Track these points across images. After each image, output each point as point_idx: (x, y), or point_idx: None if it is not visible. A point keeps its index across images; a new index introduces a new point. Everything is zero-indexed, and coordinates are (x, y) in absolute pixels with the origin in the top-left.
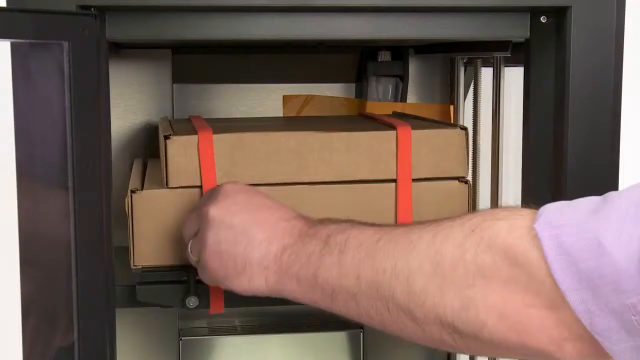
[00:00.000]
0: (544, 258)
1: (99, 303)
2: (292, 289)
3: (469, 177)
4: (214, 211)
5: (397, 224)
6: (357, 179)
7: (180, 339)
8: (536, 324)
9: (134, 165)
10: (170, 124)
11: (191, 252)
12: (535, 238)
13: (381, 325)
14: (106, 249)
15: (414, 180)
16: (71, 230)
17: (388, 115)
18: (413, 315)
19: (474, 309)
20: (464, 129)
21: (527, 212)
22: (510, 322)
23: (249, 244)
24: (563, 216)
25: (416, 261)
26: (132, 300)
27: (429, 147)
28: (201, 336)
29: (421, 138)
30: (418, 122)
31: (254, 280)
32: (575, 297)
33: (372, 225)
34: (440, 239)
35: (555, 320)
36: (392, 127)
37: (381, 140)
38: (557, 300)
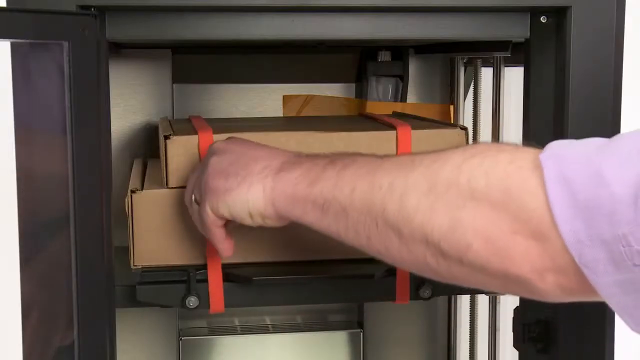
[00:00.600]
0: (541, 186)
1: (99, 303)
2: (285, 198)
3: None
4: (216, 145)
5: None
6: None
7: (180, 339)
8: (520, 251)
9: (134, 165)
10: (170, 123)
11: (193, 198)
12: (537, 168)
13: (367, 242)
14: (106, 249)
15: None
16: (71, 230)
17: (388, 115)
18: (400, 232)
19: (461, 230)
20: (464, 129)
21: (532, 149)
22: (495, 247)
23: (252, 159)
24: (569, 150)
25: (412, 180)
26: (132, 300)
27: (429, 147)
28: (201, 336)
29: (421, 138)
30: (418, 122)
31: (253, 188)
32: (567, 227)
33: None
34: (440, 162)
35: (540, 249)
36: (392, 127)
37: (381, 140)
38: (545, 230)
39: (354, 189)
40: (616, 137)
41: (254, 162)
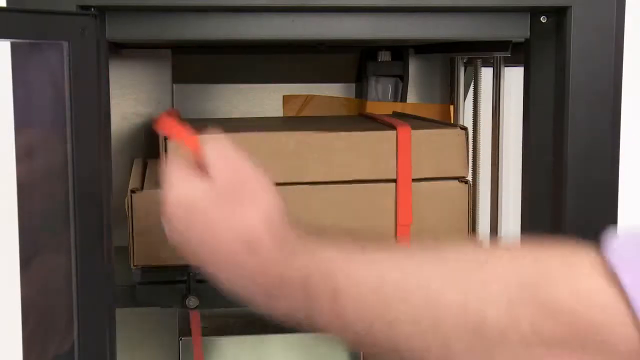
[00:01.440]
0: (629, 318)
1: (99, 303)
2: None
3: (469, 177)
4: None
5: (389, 248)
6: (357, 178)
7: (180, 339)
8: None
9: (134, 165)
10: None
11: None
12: (614, 289)
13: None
14: (106, 249)
15: (414, 180)
16: (71, 230)
17: (388, 115)
18: None
19: None
20: (464, 129)
21: (584, 257)
22: None
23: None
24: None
25: (449, 327)
26: (132, 300)
27: (429, 147)
28: (201, 336)
29: (421, 138)
30: (418, 122)
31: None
32: None
33: (362, 254)
34: (475, 298)
35: None
36: (392, 127)
37: (381, 140)
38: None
39: (371, 326)
40: None
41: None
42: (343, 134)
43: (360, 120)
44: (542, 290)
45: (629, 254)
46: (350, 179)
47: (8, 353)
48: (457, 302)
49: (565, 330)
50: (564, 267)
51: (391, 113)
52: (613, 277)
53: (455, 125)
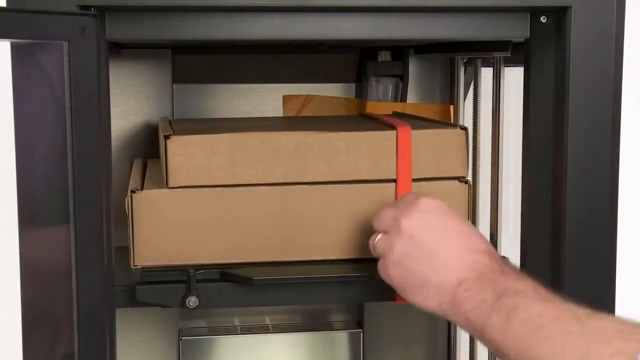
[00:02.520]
0: None
1: (99, 304)
2: (461, 325)
3: (469, 177)
4: (406, 224)
5: (564, 306)
6: (357, 179)
7: (180, 339)
8: None
9: (134, 165)
10: (170, 123)
11: (374, 247)
12: None
13: None
14: (106, 249)
15: (414, 180)
16: (71, 230)
17: (388, 115)
18: None
19: None
20: (464, 129)
21: None
22: None
23: (431, 267)
24: None
25: None
26: (132, 300)
27: (429, 147)
28: (201, 336)
29: (421, 138)
30: (418, 122)
31: (429, 301)
32: None
33: (543, 295)
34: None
35: None
36: (392, 127)
37: (381, 140)
38: None
39: (518, 352)
40: None
41: (432, 271)
42: (343, 133)
43: (360, 120)
44: None
45: None
46: (350, 179)
47: (8, 353)
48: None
49: None
50: None
51: (391, 113)
52: None
53: (455, 125)
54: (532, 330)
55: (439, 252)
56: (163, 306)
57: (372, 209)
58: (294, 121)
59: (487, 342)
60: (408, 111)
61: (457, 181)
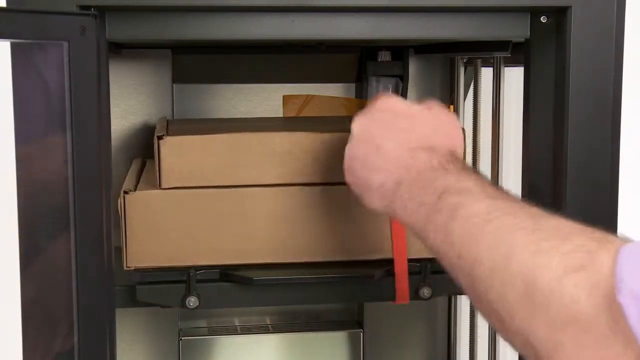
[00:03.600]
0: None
1: (99, 303)
2: (407, 222)
3: None
4: (355, 126)
5: (509, 197)
6: None
7: (180, 339)
8: None
9: (132, 166)
10: (167, 124)
11: None
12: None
13: (473, 300)
14: (106, 249)
15: None
16: (71, 230)
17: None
18: (502, 319)
19: (562, 354)
20: (462, 129)
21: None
22: None
23: (372, 169)
24: None
25: (512, 274)
26: (132, 300)
27: None
28: (201, 336)
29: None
30: None
31: (374, 202)
32: None
33: (489, 193)
34: (541, 260)
35: None
36: None
37: None
38: None
39: (460, 255)
40: None
41: (373, 174)
42: (338, 134)
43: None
44: (590, 274)
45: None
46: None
47: (8, 353)
48: (524, 260)
49: (601, 315)
50: (605, 268)
51: None
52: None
53: None
54: (476, 227)
55: (380, 153)
56: (163, 306)
57: (367, 210)
58: (291, 122)
59: (432, 247)
60: None
61: None
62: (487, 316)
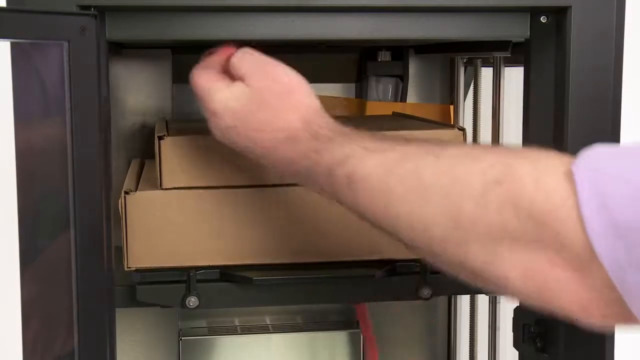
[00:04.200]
0: (576, 210)
1: (99, 303)
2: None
3: None
4: (218, 133)
5: (396, 140)
6: None
7: (180, 339)
8: (559, 283)
9: (131, 166)
10: (166, 124)
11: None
12: (570, 186)
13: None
14: (106, 249)
15: None
16: (71, 230)
17: (387, 116)
18: (435, 255)
19: (498, 264)
20: (462, 129)
21: (561, 158)
22: (535, 282)
23: (272, 119)
24: (607, 163)
25: (432, 213)
26: (132, 300)
27: None
28: (201, 336)
29: (419, 139)
30: (416, 122)
31: (286, 152)
32: (607, 253)
33: (378, 147)
34: (459, 189)
35: (581, 281)
36: (391, 127)
37: None
38: (583, 259)
39: (375, 213)
40: None
41: (278, 119)
42: None
43: (359, 120)
44: (510, 186)
45: (594, 158)
46: None
47: (8, 353)
48: (441, 192)
49: (526, 224)
50: (531, 166)
51: (390, 113)
52: (571, 176)
53: (452, 125)
54: (380, 181)
55: (250, 140)
56: (163, 306)
57: None
58: None
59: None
60: (408, 111)
61: None
62: (421, 255)
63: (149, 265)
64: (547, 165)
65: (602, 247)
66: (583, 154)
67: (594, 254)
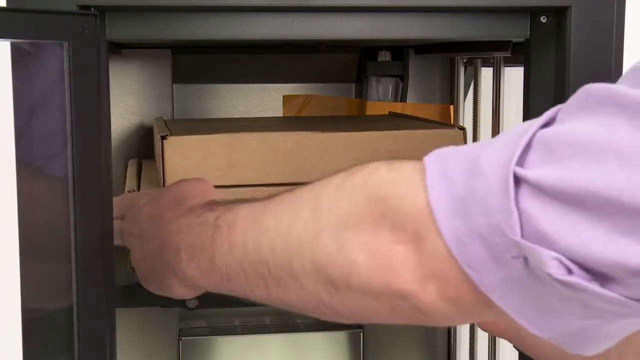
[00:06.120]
0: (421, 188)
1: (99, 303)
2: (202, 284)
3: None
4: (128, 230)
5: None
6: None
7: (180, 339)
8: (400, 260)
9: (129, 167)
10: (165, 124)
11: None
12: (418, 171)
13: (266, 293)
14: (106, 249)
15: None
16: (71, 230)
17: (385, 115)
18: (292, 268)
19: (345, 249)
20: (462, 128)
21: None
22: (377, 260)
23: (154, 260)
24: (453, 149)
25: (297, 211)
26: (132, 300)
27: (427, 148)
28: (201, 336)
29: (419, 138)
30: (415, 122)
31: (174, 288)
32: (445, 224)
33: (257, 200)
34: (322, 185)
35: (418, 254)
36: (392, 127)
37: (380, 141)
38: (423, 232)
39: (245, 241)
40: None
41: (158, 263)
42: (340, 134)
43: (360, 120)
44: (363, 173)
45: (444, 148)
46: None
47: (8, 353)
48: (308, 193)
49: (373, 205)
50: (389, 161)
51: (387, 113)
52: (422, 165)
53: (452, 125)
54: (257, 211)
55: (147, 246)
56: (163, 306)
57: None
58: (294, 122)
59: (219, 274)
60: (408, 111)
61: None
62: (276, 287)
63: None
64: (405, 162)
65: (442, 219)
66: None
67: (434, 226)
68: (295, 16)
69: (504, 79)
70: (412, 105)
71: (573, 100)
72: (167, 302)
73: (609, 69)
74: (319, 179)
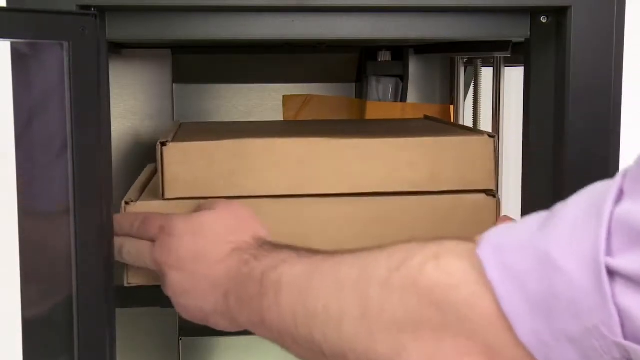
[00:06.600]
0: (484, 286)
1: (99, 303)
2: (253, 330)
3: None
4: (164, 261)
5: (331, 251)
6: (371, 191)
7: (180, 339)
8: None
9: (143, 173)
10: (179, 127)
11: (152, 260)
12: (472, 268)
13: None
14: (106, 249)
15: (437, 193)
16: (71, 230)
17: (420, 119)
18: (347, 358)
19: (407, 357)
20: (492, 136)
21: (463, 244)
22: None
23: (197, 298)
24: (507, 236)
25: (344, 304)
26: (132, 300)
27: (453, 156)
28: (201, 336)
29: (444, 146)
30: (446, 127)
31: (220, 325)
32: (525, 329)
33: (307, 254)
34: (366, 277)
35: None
36: (415, 133)
37: (399, 148)
38: (498, 340)
39: (295, 318)
40: (555, 209)
41: (202, 301)
42: (354, 140)
43: (370, 124)
44: (409, 270)
45: (494, 234)
46: (363, 191)
47: (8, 353)
48: (352, 282)
49: (429, 309)
50: (433, 248)
51: (396, 112)
52: (477, 260)
53: (482, 132)
54: (302, 285)
55: (197, 280)
56: (163, 306)
57: (388, 225)
58: (303, 125)
59: (271, 333)
60: (408, 111)
61: (484, 194)
62: None
63: (150, 283)
64: (448, 247)
65: (519, 323)
66: (484, 235)
67: (511, 331)
68: (295, 16)
69: (504, 79)
70: (412, 105)
71: (638, 168)
72: (167, 302)
73: (609, 69)
74: (355, 247)
